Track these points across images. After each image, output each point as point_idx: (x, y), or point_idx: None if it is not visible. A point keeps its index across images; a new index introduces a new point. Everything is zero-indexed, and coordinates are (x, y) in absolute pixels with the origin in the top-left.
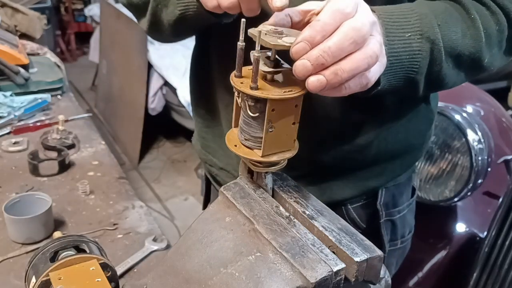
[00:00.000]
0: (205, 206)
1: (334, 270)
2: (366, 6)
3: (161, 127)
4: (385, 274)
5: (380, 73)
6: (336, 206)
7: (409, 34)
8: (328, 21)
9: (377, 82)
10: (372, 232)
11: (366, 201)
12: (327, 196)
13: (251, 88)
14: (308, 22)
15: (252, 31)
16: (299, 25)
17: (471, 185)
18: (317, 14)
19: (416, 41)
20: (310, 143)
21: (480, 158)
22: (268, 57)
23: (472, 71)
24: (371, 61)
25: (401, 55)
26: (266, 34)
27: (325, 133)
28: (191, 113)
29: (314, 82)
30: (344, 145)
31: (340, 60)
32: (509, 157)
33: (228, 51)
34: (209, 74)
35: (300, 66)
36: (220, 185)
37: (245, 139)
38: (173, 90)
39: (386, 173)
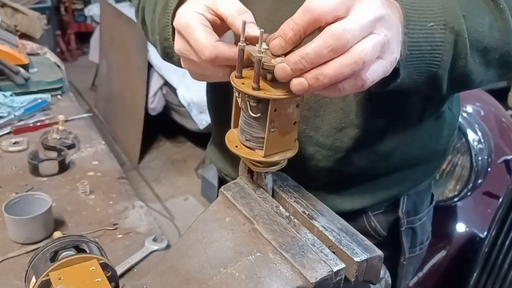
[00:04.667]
0: None
1: (334, 270)
2: (366, 3)
3: (161, 127)
4: (385, 274)
5: (382, 73)
6: (357, 214)
7: (432, 24)
8: (297, 21)
9: (397, 75)
10: (393, 240)
11: (387, 208)
12: (348, 204)
13: (253, 88)
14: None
15: (248, 49)
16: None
17: (471, 185)
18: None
19: (439, 31)
20: (334, 152)
21: (480, 158)
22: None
23: (501, 68)
24: (356, 67)
25: (422, 45)
26: (262, 52)
27: (349, 141)
28: (191, 113)
29: (296, 85)
30: (369, 153)
31: (323, 64)
32: (509, 157)
33: None
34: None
35: (280, 69)
36: None
37: (246, 140)
38: (173, 90)
39: (408, 180)
